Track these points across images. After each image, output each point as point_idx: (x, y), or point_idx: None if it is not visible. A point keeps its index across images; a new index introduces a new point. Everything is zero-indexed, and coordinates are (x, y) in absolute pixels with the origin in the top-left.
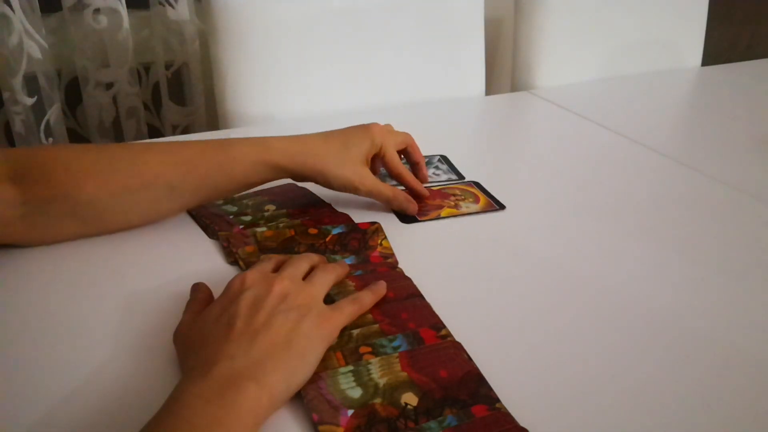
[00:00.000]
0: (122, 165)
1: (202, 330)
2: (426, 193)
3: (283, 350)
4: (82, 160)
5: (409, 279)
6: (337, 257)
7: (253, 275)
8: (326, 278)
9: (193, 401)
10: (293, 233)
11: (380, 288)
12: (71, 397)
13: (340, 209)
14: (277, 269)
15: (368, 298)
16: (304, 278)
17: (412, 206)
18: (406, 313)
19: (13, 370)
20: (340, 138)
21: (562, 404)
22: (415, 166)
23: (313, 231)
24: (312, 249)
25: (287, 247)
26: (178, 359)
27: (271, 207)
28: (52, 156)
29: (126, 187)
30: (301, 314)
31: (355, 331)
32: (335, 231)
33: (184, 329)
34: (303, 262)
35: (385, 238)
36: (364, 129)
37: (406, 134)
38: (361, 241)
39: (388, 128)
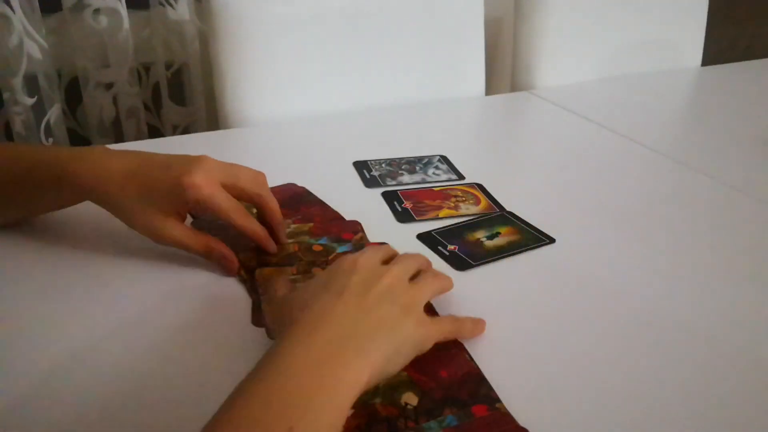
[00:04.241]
0: None
1: (304, 294)
2: (273, 249)
3: (390, 332)
4: None
5: None
6: None
7: (364, 261)
8: (433, 285)
9: (302, 362)
10: (297, 248)
11: (481, 324)
12: (69, 393)
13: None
14: (385, 262)
15: (468, 325)
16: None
17: (230, 266)
18: None
19: (12, 364)
20: (143, 183)
21: (562, 404)
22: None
23: (317, 248)
24: (312, 266)
25: (287, 262)
26: (271, 326)
27: None
28: None
29: None
30: (404, 312)
31: None
32: (340, 249)
33: (281, 297)
34: (413, 262)
35: None
36: (178, 183)
37: (257, 176)
38: None
39: (220, 171)
